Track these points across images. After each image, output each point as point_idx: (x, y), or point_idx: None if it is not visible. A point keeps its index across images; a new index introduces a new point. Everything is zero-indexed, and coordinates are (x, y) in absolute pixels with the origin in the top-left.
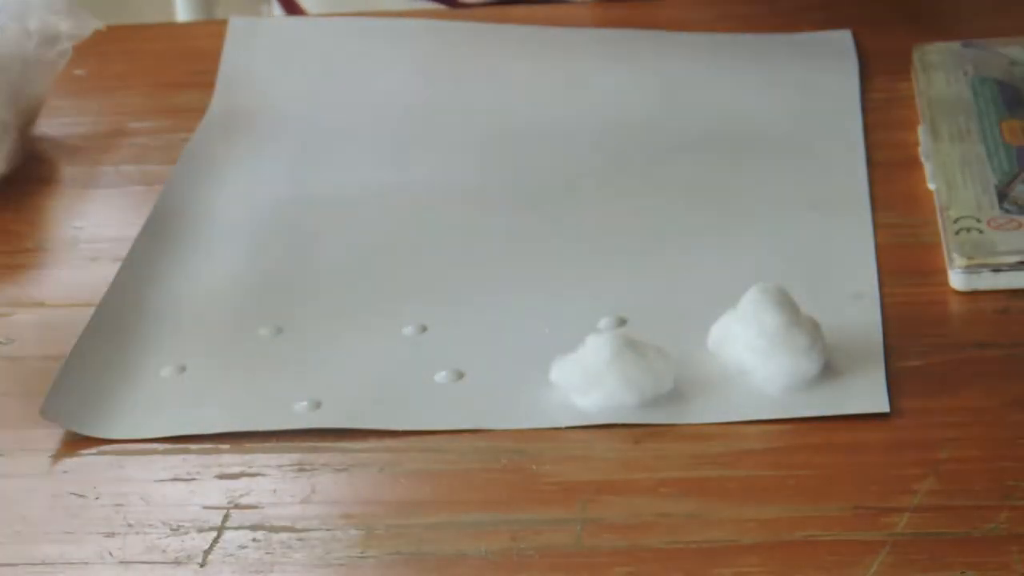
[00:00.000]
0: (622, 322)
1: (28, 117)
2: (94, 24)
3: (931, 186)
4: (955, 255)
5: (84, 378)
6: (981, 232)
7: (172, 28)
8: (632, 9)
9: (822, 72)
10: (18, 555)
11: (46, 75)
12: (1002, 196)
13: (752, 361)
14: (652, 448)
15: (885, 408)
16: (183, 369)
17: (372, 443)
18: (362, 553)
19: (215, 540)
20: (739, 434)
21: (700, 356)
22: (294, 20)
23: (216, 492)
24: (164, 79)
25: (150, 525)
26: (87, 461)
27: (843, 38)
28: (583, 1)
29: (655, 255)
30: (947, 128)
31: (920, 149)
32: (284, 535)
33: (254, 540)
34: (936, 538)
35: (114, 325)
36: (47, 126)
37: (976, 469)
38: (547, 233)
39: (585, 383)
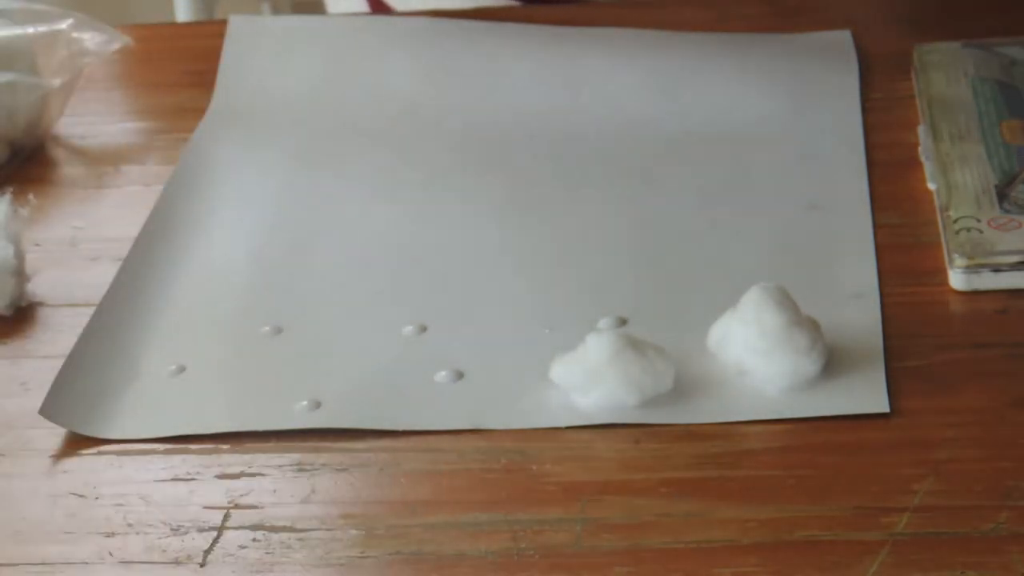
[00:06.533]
0: (622, 322)
1: (44, 131)
2: (121, 40)
3: (931, 186)
4: (955, 255)
5: (84, 378)
6: (981, 232)
7: (172, 28)
8: (632, 9)
9: (822, 72)
10: (18, 555)
11: (66, 93)
12: (1002, 196)
13: (752, 361)
14: (652, 448)
15: (885, 408)
16: (183, 369)
17: (372, 443)
18: (362, 553)
19: (215, 540)
20: (739, 434)
21: (700, 356)
22: (294, 19)
23: (216, 492)
24: (164, 79)
25: (150, 525)
26: (87, 461)
27: (843, 38)
28: (583, 1)
29: (655, 255)
30: (947, 128)
31: (920, 149)
32: (284, 535)
33: (254, 540)
34: (936, 538)
35: (114, 325)
36: None
37: (976, 469)
38: (547, 233)
39: (585, 383)
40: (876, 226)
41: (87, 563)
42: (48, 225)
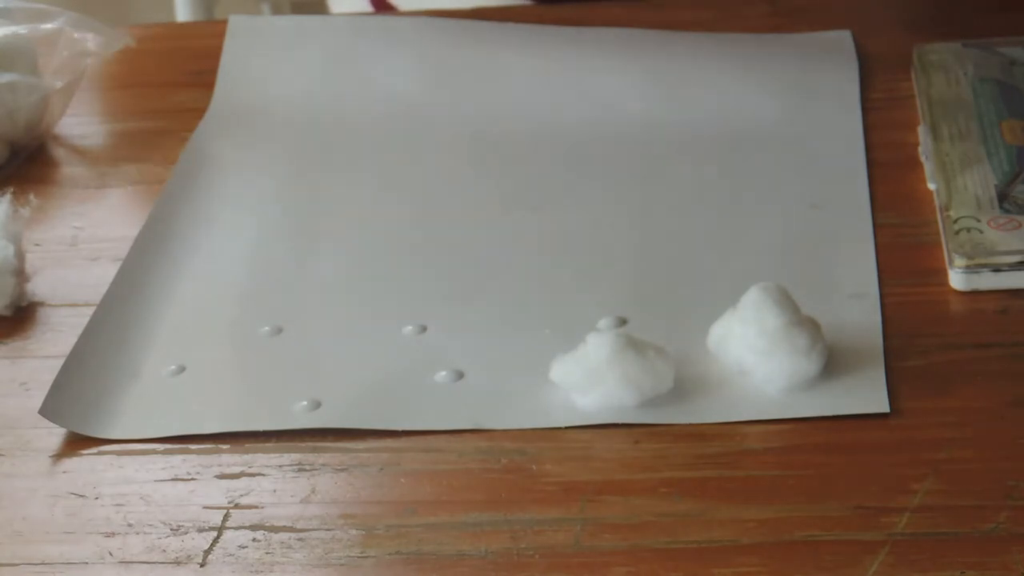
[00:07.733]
0: (622, 322)
1: (45, 131)
2: (123, 40)
3: (931, 186)
4: (955, 255)
5: (84, 378)
6: (981, 232)
7: (172, 28)
8: (632, 9)
9: (822, 72)
10: (18, 555)
11: (67, 94)
12: (1002, 196)
13: (752, 361)
14: (652, 448)
15: (885, 408)
16: (183, 369)
17: (372, 443)
18: (362, 553)
19: (215, 540)
20: (739, 434)
21: (700, 356)
22: (294, 19)
23: (216, 492)
24: (164, 79)
25: (150, 525)
26: (87, 461)
27: (843, 38)
28: (585, 1)
29: (655, 255)
30: (947, 128)
31: (920, 149)
32: (284, 535)
33: (254, 540)
34: (936, 538)
35: (114, 325)
36: None
37: (976, 469)
38: (547, 233)
39: (585, 383)
40: (876, 226)
41: (87, 563)
42: (48, 225)
